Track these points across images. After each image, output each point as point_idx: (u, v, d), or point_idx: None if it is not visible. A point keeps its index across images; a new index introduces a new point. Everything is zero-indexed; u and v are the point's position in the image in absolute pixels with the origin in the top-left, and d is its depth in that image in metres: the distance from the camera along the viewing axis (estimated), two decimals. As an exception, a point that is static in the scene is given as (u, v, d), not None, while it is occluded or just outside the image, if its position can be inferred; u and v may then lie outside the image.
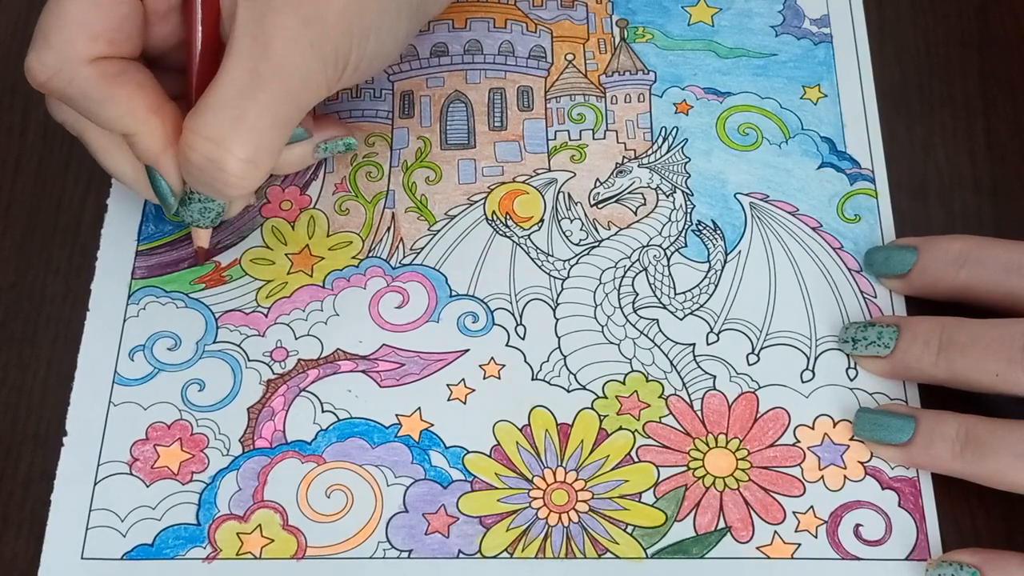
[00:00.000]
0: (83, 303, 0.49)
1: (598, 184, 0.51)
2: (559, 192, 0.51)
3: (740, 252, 0.50)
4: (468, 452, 0.46)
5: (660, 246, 0.50)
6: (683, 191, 0.51)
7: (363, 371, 0.48)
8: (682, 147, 0.52)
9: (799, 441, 0.46)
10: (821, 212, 0.50)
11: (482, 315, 0.49)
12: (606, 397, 0.47)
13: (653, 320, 0.49)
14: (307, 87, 0.43)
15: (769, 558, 0.44)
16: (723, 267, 0.50)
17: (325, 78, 0.44)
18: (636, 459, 0.46)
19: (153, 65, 0.45)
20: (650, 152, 0.52)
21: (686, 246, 0.50)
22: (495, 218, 0.51)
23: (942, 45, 0.54)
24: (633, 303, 0.49)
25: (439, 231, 0.50)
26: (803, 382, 0.47)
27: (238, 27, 0.42)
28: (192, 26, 0.44)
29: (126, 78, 0.43)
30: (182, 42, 0.45)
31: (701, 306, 0.49)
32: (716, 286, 0.49)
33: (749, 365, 0.48)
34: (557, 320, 0.49)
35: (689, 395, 0.47)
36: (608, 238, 0.50)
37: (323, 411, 0.47)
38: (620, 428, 0.47)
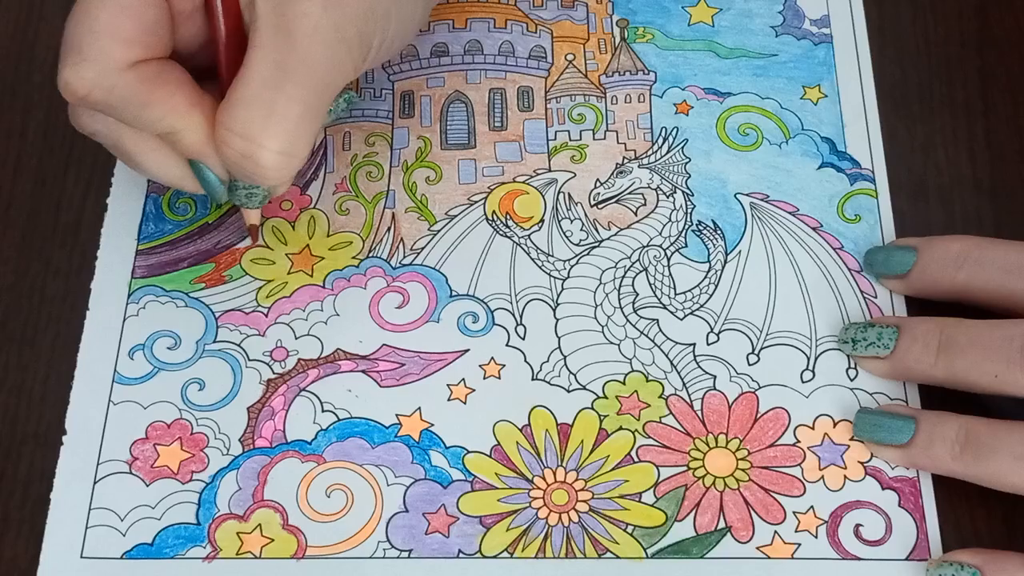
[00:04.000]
0: (83, 303, 0.49)
1: (598, 184, 0.51)
2: (559, 192, 0.51)
3: (740, 252, 0.50)
4: (468, 452, 0.46)
5: (660, 246, 0.50)
6: (683, 191, 0.51)
7: (363, 371, 0.48)
8: (682, 147, 0.52)
9: (799, 441, 0.46)
10: (821, 212, 0.51)
11: (482, 315, 0.49)
12: (606, 397, 0.47)
13: (653, 320, 0.49)
14: (333, 72, 0.43)
15: (769, 558, 0.44)
16: (723, 267, 0.50)
17: (351, 61, 0.44)
18: (636, 459, 0.46)
19: (181, 64, 0.45)
20: (650, 152, 0.52)
21: (686, 246, 0.50)
22: (495, 218, 0.51)
23: (942, 45, 0.54)
24: (633, 303, 0.49)
25: (439, 231, 0.50)
26: (803, 382, 0.47)
27: (259, 17, 0.42)
28: (215, 20, 0.44)
29: (164, 78, 0.43)
30: (208, 40, 0.45)
31: (701, 306, 0.49)
32: (716, 286, 0.49)
33: (749, 365, 0.48)
34: (557, 320, 0.49)
35: (689, 395, 0.47)
36: (608, 238, 0.50)
37: (323, 411, 0.47)
38: (620, 428, 0.47)
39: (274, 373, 0.48)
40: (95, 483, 0.46)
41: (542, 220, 0.51)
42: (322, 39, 0.42)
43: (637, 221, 0.51)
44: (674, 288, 0.49)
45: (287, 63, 0.42)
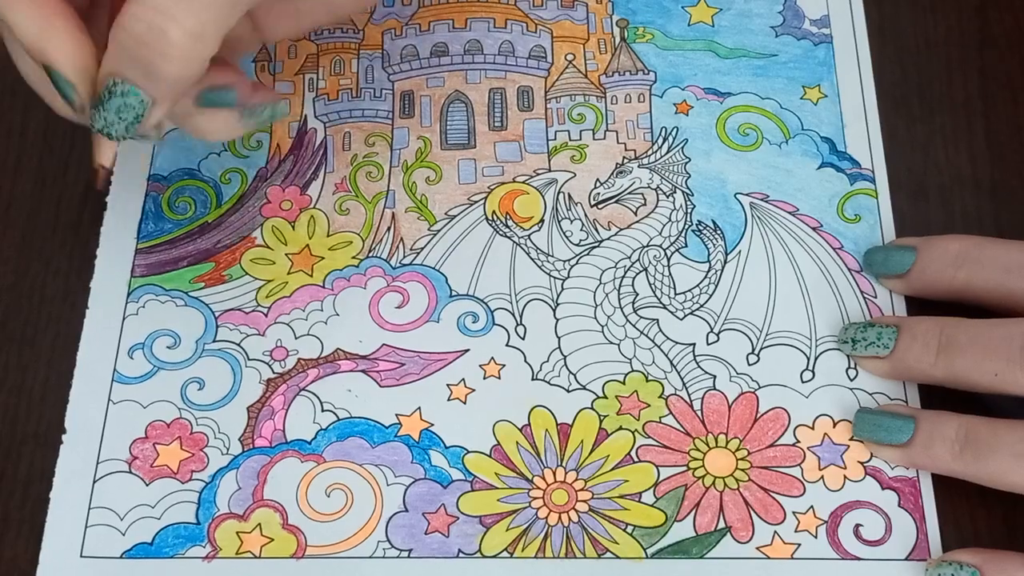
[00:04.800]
0: (83, 303, 0.49)
1: (598, 184, 0.51)
2: (559, 192, 0.51)
3: (740, 252, 0.50)
4: (468, 452, 0.46)
5: (660, 246, 0.50)
6: (683, 191, 0.51)
7: (363, 371, 0.48)
8: (682, 147, 0.52)
9: (799, 441, 0.46)
10: (821, 212, 0.51)
11: (482, 315, 0.49)
12: (606, 397, 0.47)
13: (653, 320, 0.49)
14: None
15: (769, 558, 0.44)
16: (723, 267, 0.50)
17: None
18: (636, 459, 0.46)
19: None
20: (650, 152, 0.52)
21: (686, 246, 0.50)
22: (495, 218, 0.51)
23: (942, 45, 0.54)
24: (633, 303, 0.49)
25: (439, 231, 0.50)
26: (803, 382, 0.47)
27: None
28: None
29: None
30: None
31: (701, 306, 0.49)
32: (716, 286, 0.49)
33: (749, 365, 0.48)
34: (557, 320, 0.49)
35: (689, 395, 0.47)
36: (608, 238, 0.50)
37: (323, 410, 0.47)
38: (620, 428, 0.47)
39: (274, 373, 0.48)
40: (95, 482, 0.46)
41: (542, 220, 0.51)
42: None
43: (637, 221, 0.51)
44: (674, 288, 0.49)
45: None
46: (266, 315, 0.49)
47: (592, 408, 0.47)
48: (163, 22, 0.40)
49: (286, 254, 0.50)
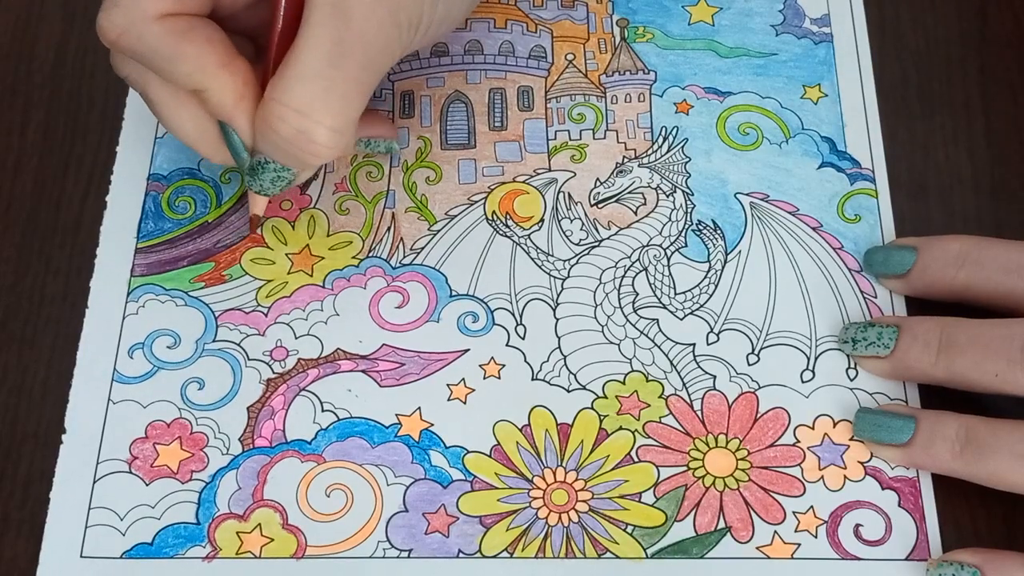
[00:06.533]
0: (83, 303, 0.49)
1: (598, 184, 0.51)
2: (559, 192, 0.51)
3: (740, 252, 0.50)
4: (468, 452, 0.46)
5: (660, 246, 0.50)
6: (683, 191, 0.51)
7: (363, 371, 0.48)
8: (682, 147, 0.52)
9: (799, 441, 0.46)
10: (821, 212, 0.50)
11: (482, 315, 0.49)
12: (606, 397, 0.47)
13: (653, 320, 0.49)
14: (385, 54, 0.44)
15: (769, 558, 0.44)
16: (723, 267, 0.50)
17: (400, 44, 0.44)
18: (636, 459, 0.46)
19: (221, 25, 0.45)
20: (650, 152, 0.52)
21: (686, 246, 0.50)
22: (495, 218, 0.51)
23: (942, 45, 0.54)
24: (633, 303, 0.49)
25: (439, 231, 0.50)
26: (803, 382, 0.47)
27: None
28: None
29: (195, 34, 0.44)
30: (251, 4, 0.46)
31: (701, 306, 0.49)
32: (716, 286, 0.49)
33: (749, 365, 0.48)
34: (557, 320, 0.49)
35: (689, 395, 0.47)
36: (608, 238, 0.50)
37: (323, 410, 0.47)
38: (620, 428, 0.47)
39: (274, 373, 0.48)
40: (95, 482, 0.46)
41: (542, 220, 0.51)
42: (377, 21, 0.43)
43: (637, 221, 0.51)
44: (674, 288, 0.49)
45: (345, 42, 0.42)
46: (266, 315, 0.49)
47: (592, 408, 0.47)
48: (309, 126, 0.43)
49: (286, 254, 0.50)
